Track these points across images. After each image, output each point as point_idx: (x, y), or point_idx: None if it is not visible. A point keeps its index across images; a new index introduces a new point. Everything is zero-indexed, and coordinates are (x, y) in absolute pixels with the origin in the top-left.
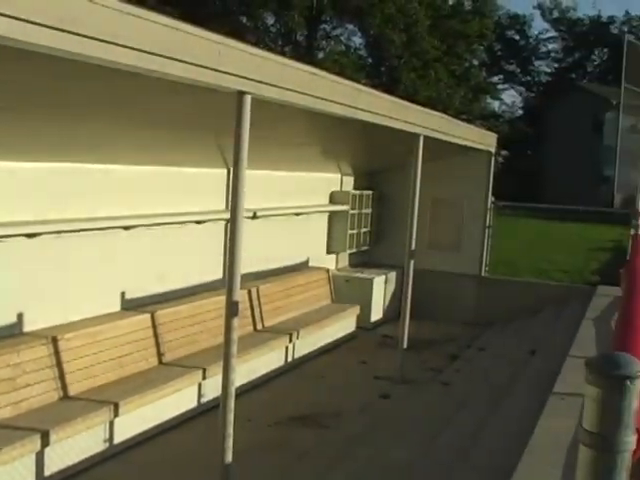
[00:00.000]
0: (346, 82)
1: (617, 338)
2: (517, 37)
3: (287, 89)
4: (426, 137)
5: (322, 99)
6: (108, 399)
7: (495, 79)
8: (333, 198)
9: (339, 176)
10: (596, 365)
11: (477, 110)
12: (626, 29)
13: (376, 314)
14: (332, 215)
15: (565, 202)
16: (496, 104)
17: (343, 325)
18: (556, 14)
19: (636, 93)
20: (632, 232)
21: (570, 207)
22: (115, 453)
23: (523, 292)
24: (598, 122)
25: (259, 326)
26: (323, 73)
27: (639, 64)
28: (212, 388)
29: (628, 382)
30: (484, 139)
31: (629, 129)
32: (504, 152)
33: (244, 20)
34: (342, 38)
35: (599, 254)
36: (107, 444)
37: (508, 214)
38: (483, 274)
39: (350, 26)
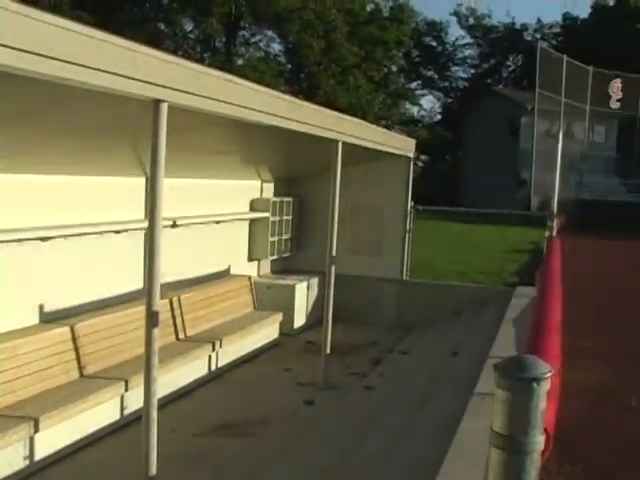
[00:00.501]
0: (264, 89)
1: (529, 339)
2: (434, 43)
3: (204, 97)
4: (345, 143)
5: (240, 106)
6: (28, 414)
7: (414, 85)
8: (253, 205)
9: (259, 183)
10: (504, 368)
11: (396, 115)
12: (539, 36)
13: (299, 320)
14: (253, 222)
15: (484, 205)
16: (415, 109)
17: (266, 332)
18: (472, 21)
19: (550, 98)
20: (547, 234)
21: (488, 210)
22: (36, 470)
23: (444, 295)
24: (514, 126)
25: (181, 336)
26: (240, 80)
27: (552, 70)
28: (135, 400)
29: (535, 384)
30: (403, 144)
31: (544, 133)
32: (424, 157)
33: (162, 27)
34: (261, 45)
35: (517, 256)
36: (27, 461)
37: (429, 218)
38: (404, 278)
39: (269, 32)
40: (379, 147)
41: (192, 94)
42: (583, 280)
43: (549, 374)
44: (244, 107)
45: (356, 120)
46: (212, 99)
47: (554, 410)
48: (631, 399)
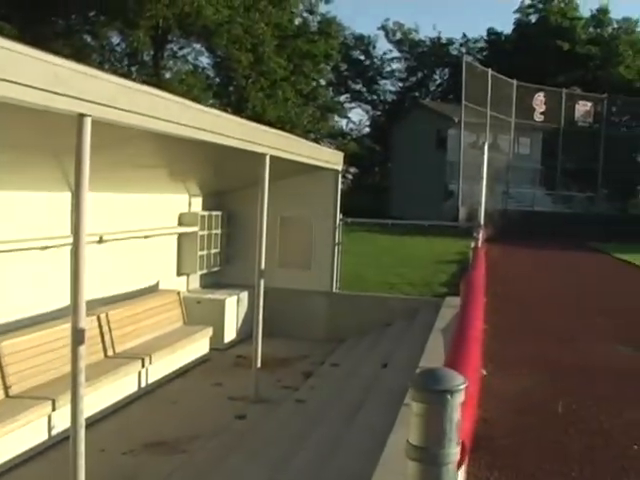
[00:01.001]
0: (189, 104)
1: (449, 351)
2: (362, 57)
3: (128, 111)
4: (272, 157)
5: (165, 121)
6: None
7: (342, 98)
8: (182, 220)
9: (187, 197)
10: (418, 381)
11: (325, 128)
12: (464, 50)
13: (230, 334)
14: (181, 237)
15: (413, 217)
16: (344, 122)
17: (196, 347)
18: (399, 36)
19: (476, 111)
20: (472, 245)
21: (417, 222)
22: None
23: (374, 306)
24: (442, 139)
25: (110, 352)
26: (166, 95)
27: (477, 84)
28: (63, 419)
29: (449, 396)
30: (330, 158)
31: (471, 145)
32: (353, 169)
33: (88, 39)
34: (189, 58)
35: (446, 266)
36: None
37: (359, 230)
38: (334, 290)
39: (197, 46)
40: (307, 160)
41: (116, 108)
42: (509, 288)
43: (463, 386)
44: (169, 121)
45: (284, 134)
46: (137, 113)
47: (471, 421)
48: (557, 405)
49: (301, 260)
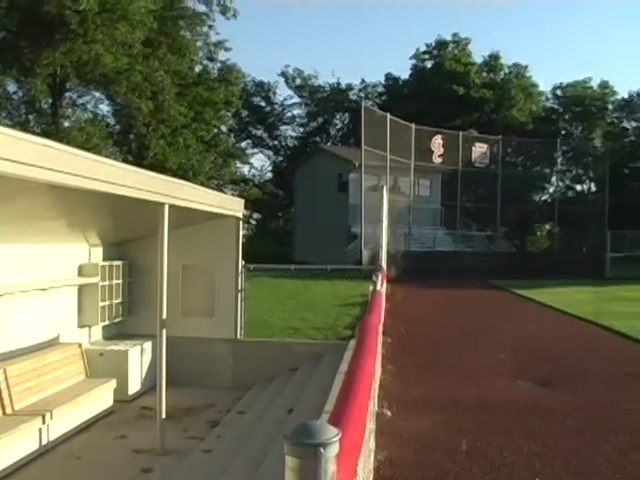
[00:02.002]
0: (83, 154)
1: (337, 399)
2: (263, 103)
3: (19, 162)
4: (171, 206)
5: (58, 172)
6: None
7: (244, 144)
8: (82, 270)
9: (87, 247)
10: (291, 436)
11: (227, 175)
12: (363, 95)
13: (134, 386)
14: (82, 288)
15: (317, 260)
16: (246, 168)
17: (100, 400)
18: (299, 81)
19: (375, 154)
20: (371, 288)
21: (320, 266)
22: None
23: (279, 352)
24: (343, 182)
25: (8, 410)
26: (58, 145)
27: (376, 128)
28: None
29: (321, 449)
30: (230, 204)
31: (372, 188)
32: (257, 215)
33: None
34: (89, 106)
35: (350, 309)
36: None
37: (263, 275)
38: (239, 337)
39: (97, 94)
40: (207, 208)
41: (8, 160)
42: (414, 328)
43: (336, 438)
44: (63, 172)
45: (182, 182)
46: (28, 165)
47: (351, 473)
48: (461, 443)
49: (204, 308)
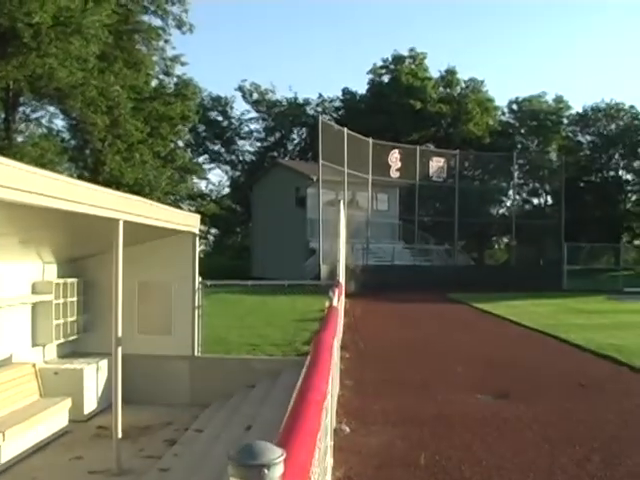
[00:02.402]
0: (35, 170)
1: (287, 418)
2: (220, 118)
3: None
4: (126, 222)
5: (10, 188)
6: None
7: (201, 159)
8: (35, 288)
9: (41, 265)
10: (235, 457)
11: (184, 190)
12: (320, 110)
13: (90, 405)
14: (35, 306)
15: (276, 276)
16: (203, 184)
17: (55, 420)
18: (256, 96)
19: (333, 169)
20: (327, 303)
21: (280, 281)
22: None
23: (237, 369)
24: (301, 197)
25: None
26: (9, 162)
27: (334, 142)
28: None
29: (266, 470)
30: (187, 220)
31: (329, 203)
32: (214, 231)
33: None
34: (43, 121)
35: (309, 324)
36: None
37: (221, 292)
38: (196, 354)
39: (51, 108)
40: (163, 224)
41: None
42: (372, 343)
43: (281, 458)
44: (14, 189)
45: (137, 198)
46: None
47: None
48: (420, 457)
49: (161, 325)
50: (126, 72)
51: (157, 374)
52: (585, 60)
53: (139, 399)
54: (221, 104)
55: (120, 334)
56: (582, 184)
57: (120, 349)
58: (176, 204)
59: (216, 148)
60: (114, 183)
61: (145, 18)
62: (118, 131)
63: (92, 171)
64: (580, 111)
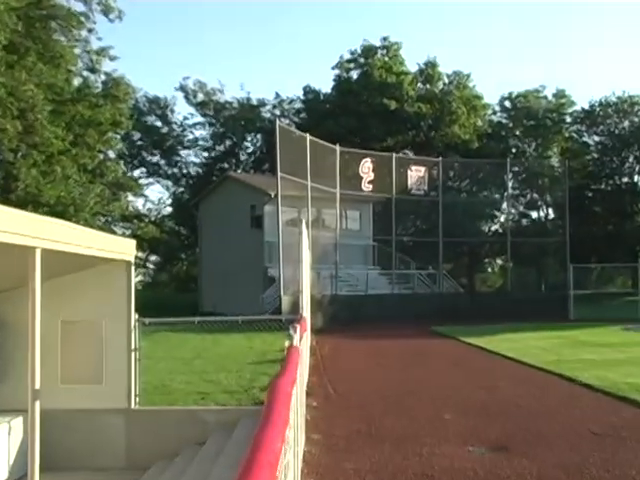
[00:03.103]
0: None
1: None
2: (159, 123)
3: None
4: (45, 250)
5: None
6: None
7: (137, 173)
8: None
9: None
10: None
11: (117, 210)
12: (278, 113)
13: (1, 473)
14: None
15: (229, 310)
16: (140, 202)
17: None
18: (201, 97)
19: (294, 182)
20: (287, 343)
21: (230, 318)
22: None
23: (184, 422)
24: (257, 216)
25: None
26: None
27: (294, 151)
28: None
29: None
30: (120, 246)
31: (290, 223)
32: (154, 258)
33: None
34: None
35: (269, 367)
36: None
37: (163, 330)
38: (133, 406)
39: None
40: (90, 252)
41: None
42: (345, 387)
43: None
44: None
45: (58, 221)
46: None
47: None
48: None
49: (90, 373)
50: (41, 67)
51: (85, 432)
52: (590, 47)
53: (63, 464)
54: (160, 107)
55: (38, 385)
56: (590, 193)
57: (38, 404)
58: (107, 227)
59: (155, 159)
60: (30, 202)
61: (63, 1)
62: (34, 139)
63: (2, 189)
64: (586, 107)
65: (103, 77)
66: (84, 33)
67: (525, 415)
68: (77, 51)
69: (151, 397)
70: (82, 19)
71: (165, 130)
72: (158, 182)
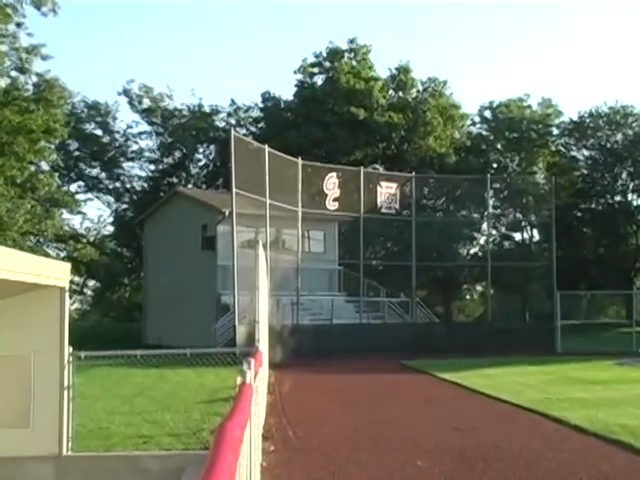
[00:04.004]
0: None
1: None
2: (99, 132)
3: None
4: None
5: None
6: None
7: (73, 187)
8: None
9: None
10: None
11: (51, 229)
12: (234, 122)
13: None
14: None
15: (177, 341)
16: (77, 220)
17: None
18: (148, 103)
19: (251, 200)
20: (239, 380)
21: (177, 351)
22: None
23: (123, 470)
24: (210, 237)
25: None
26: None
27: (251, 164)
28: None
29: None
30: (52, 270)
31: (247, 244)
32: (93, 283)
33: None
34: None
35: (221, 407)
36: None
37: (101, 364)
38: (65, 453)
39: None
40: (15, 276)
41: None
42: (307, 430)
43: None
44: None
45: None
46: None
47: None
48: None
49: (14, 414)
50: None
51: None
52: (579, 53)
53: None
54: (100, 113)
55: None
56: (579, 213)
57: None
58: (39, 248)
59: (94, 172)
60: None
61: None
62: None
63: None
64: (575, 118)
65: (34, 79)
66: (12, 28)
67: (507, 461)
68: (3, 48)
69: (86, 442)
70: (9, 11)
71: (106, 139)
72: (98, 198)
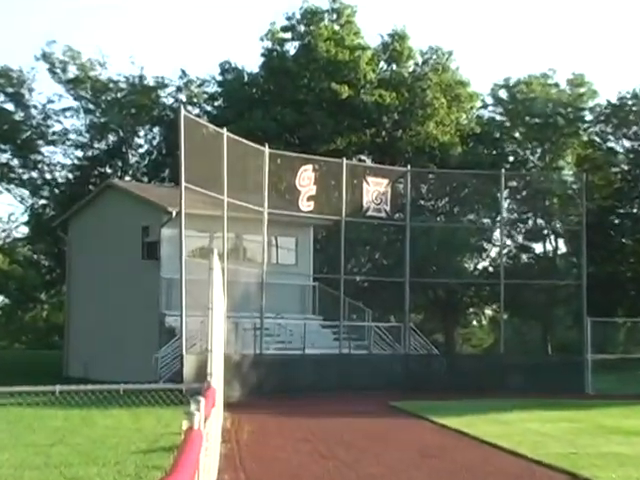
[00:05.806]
0: None
1: None
2: (11, 106)
3: None
4: None
5: None
6: None
7: None
8: None
9: None
10: None
11: None
12: (184, 98)
13: None
14: None
15: (107, 374)
16: None
17: None
18: (75, 72)
19: (205, 197)
20: (185, 424)
21: (108, 386)
22: None
23: None
24: (152, 243)
25: None
26: None
27: (203, 153)
28: None
29: None
30: None
31: (199, 252)
32: (0, 300)
33: None
34: None
35: (162, 458)
36: None
37: (8, 404)
38: None
39: None
40: None
41: None
42: None
43: None
44: None
45: None
46: None
47: None
48: None
49: None
50: None
51: None
52: (619, 21)
53: None
54: (12, 83)
55: None
56: (616, 219)
57: None
58: None
59: (3, 158)
60: None
61: None
62: None
63: None
64: (613, 100)
65: None
66: None
67: None
68: None
69: None
70: None
71: (19, 116)
72: (8, 191)
